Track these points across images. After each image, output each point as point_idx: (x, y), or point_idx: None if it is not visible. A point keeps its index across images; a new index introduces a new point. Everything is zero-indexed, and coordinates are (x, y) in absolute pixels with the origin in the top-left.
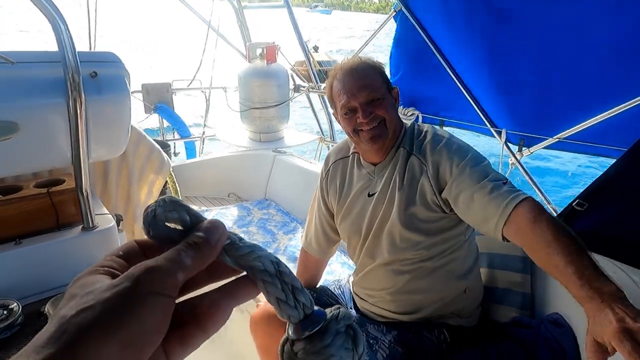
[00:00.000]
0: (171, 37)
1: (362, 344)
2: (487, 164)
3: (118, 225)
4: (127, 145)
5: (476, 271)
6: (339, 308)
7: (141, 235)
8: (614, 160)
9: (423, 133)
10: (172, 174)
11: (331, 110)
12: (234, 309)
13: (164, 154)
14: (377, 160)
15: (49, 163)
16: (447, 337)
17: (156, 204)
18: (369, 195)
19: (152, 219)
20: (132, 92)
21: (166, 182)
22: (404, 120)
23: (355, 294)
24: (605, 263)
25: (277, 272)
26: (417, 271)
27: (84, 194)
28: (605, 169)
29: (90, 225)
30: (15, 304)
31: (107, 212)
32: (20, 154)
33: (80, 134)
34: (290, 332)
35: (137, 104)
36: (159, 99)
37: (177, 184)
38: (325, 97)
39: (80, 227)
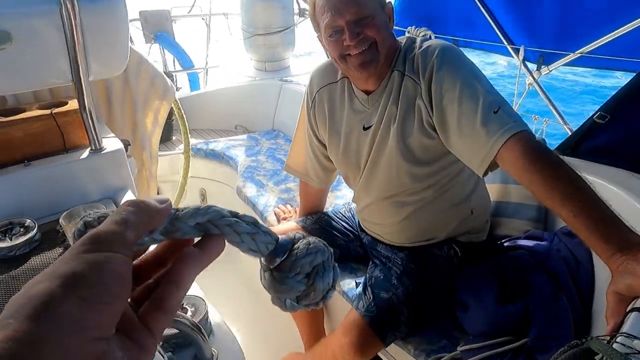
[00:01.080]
0: None
1: (323, 279)
2: (482, 82)
3: (126, 150)
4: (129, 66)
5: (480, 189)
6: (304, 237)
7: (150, 164)
8: None
9: (416, 48)
10: (177, 101)
11: (316, 34)
12: None
13: (167, 79)
14: (370, 88)
15: (48, 79)
16: (457, 252)
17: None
18: (365, 129)
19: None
20: (130, 20)
21: (172, 110)
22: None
23: (363, 220)
24: (627, 175)
25: (234, 220)
26: (421, 202)
27: (88, 113)
28: (631, 79)
29: (98, 147)
30: (30, 221)
31: (113, 135)
32: (17, 68)
33: (77, 46)
34: (262, 261)
35: (136, 33)
36: (159, 28)
37: (182, 111)
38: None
39: (88, 149)
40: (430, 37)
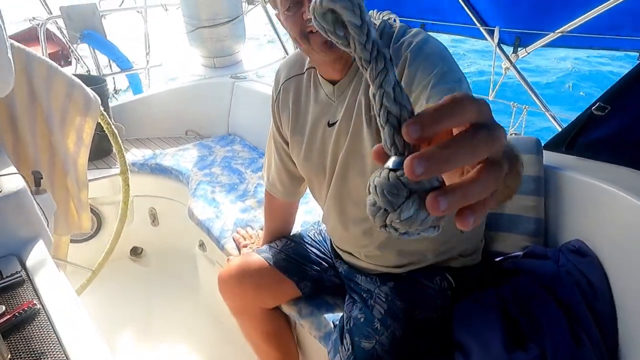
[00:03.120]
0: None
1: None
2: (458, 81)
3: (38, 184)
4: (35, 79)
5: None
6: None
7: (78, 191)
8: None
9: (393, 37)
10: (105, 114)
11: (273, 12)
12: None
13: (87, 89)
14: (337, 77)
15: None
16: (451, 282)
17: None
18: (329, 125)
19: None
20: (51, 18)
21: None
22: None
23: (336, 245)
24: (631, 175)
25: None
26: None
27: None
28: (633, 67)
29: None
30: None
31: (13, 171)
32: None
33: None
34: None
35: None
36: (86, 25)
37: (112, 126)
38: None
39: None
40: (395, 20)
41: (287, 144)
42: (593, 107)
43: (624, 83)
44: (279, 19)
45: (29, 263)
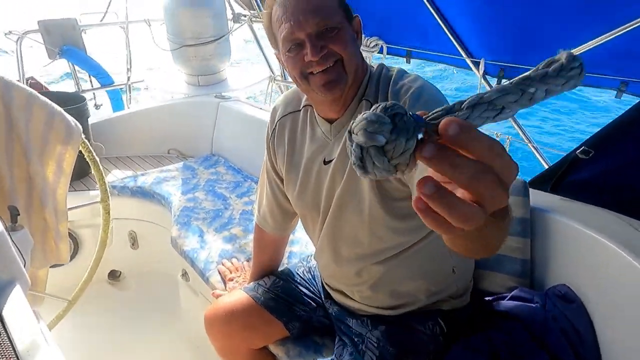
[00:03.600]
0: None
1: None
2: None
3: (15, 220)
4: (14, 107)
5: None
6: None
7: (56, 223)
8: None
9: (390, 80)
10: (86, 141)
11: (273, 51)
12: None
13: (69, 117)
14: (334, 116)
15: None
16: (443, 328)
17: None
18: (325, 163)
19: None
20: (27, 33)
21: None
22: (364, 53)
23: (327, 284)
24: (614, 220)
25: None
26: (396, 259)
27: None
28: (619, 115)
29: None
30: None
31: None
32: None
33: None
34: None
35: (38, 48)
36: (65, 40)
37: (93, 153)
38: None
39: None
40: (382, 47)
41: (282, 180)
42: (578, 151)
43: (609, 130)
44: (278, 58)
45: (4, 312)
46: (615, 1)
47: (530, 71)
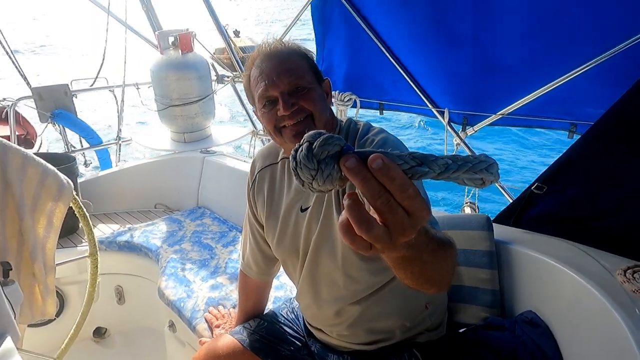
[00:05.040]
0: (77, 35)
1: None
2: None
3: (6, 275)
4: (9, 170)
5: None
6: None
7: (44, 277)
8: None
9: (358, 133)
10: (77, 197)
11: (252, 108)
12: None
13: (61, 175)
14: None
15: None
16: (419, 358)
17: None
18: (302, 210)
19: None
20: (22, 99)
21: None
22: (339, 107)
23: (308, 323)
24: (569, 248)
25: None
26: (371, 298)
27: None
28: (565, 151)
29: None
30: None
31: None
32: None
33: None
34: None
35: (31, 113)
36: (56, 105)
37: (83, 209)
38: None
39: None
40: (355, 101)
41: (262, 227)
42: (533, 187)
43: (558, 166)
44: (256, 114)
45: None
46: (554, 57)
47: (453, 160)
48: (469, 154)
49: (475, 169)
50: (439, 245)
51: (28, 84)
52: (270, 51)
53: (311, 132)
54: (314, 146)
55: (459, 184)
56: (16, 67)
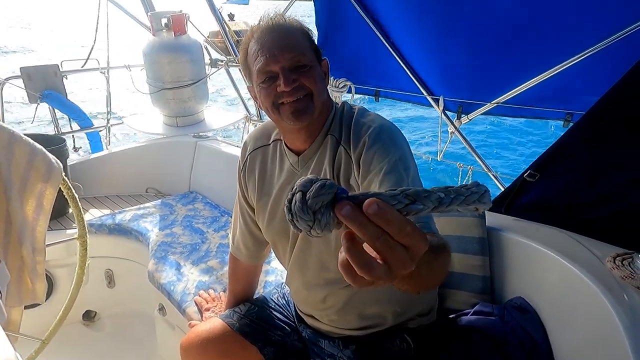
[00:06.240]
0: (70, 16)
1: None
2: (408, 171)
3: None
4: None
5: None
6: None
7: (33, 261)
8: (553, 124)
9: (353, 118)
10: (66, 178)
11: (246, 84)
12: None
13: (50, 156)
14: (301, 147)
15: None
16: (410, 344)
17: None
18: None
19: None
20: (9, 79)
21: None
22: (335, 93)
23: (299, 309)
24: (560, 236)
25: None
26: None
27: None
28: (558, 139)
29: None
30: None
31: None
32: None
33: None
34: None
35: (19, 93)
36: (47, 85)
37: (73, 191)
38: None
39: None
40: (350, 88)
41: (253, 210)
42: (525, 174)
43: (550, 154)
44: (251, 92)
45: None
46: (550, 45)
47: (446, 193)
48: (462, 184)
49: (468, 201)
50: (435, 255)
51: None
52: (272, 25)
53: (302, 181)
54: (307, 197)
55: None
56: None
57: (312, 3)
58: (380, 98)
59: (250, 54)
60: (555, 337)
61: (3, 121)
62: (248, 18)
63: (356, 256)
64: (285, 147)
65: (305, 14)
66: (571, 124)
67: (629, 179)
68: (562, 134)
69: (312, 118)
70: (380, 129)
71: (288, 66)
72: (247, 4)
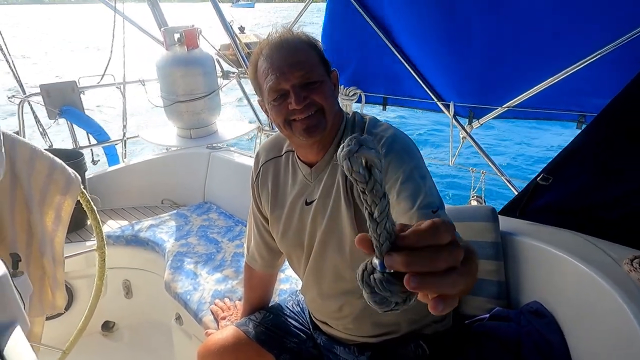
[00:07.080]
0: (91, 37)
1: None
2: (425, 180)
3: (16, 266)
4: (18, 164)
5: None
6: None
7: (54, 270)
8: (564, 127)
9: (365, 127)
10: (84, 191)
11: (257, 98)
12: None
13: (69, 169)
14: (314, 159)
15: None
16: (425, 350)
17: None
18: (307, 204)
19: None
20: (30, 96)
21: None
22: (344, 102)
23: (313, 316)
24: (575, 239)
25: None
26: None
27: None
28: (570, 142)
29: None
30: None
31: None
32: None
33: None
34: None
35: (39, 110)
36: (64, 101)
37: (91, 203)
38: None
39: None
40: (360, 96)
41: (267, 220)
42: (538, 178)
43: (563, 157)
44: (262, 106)
45: (6, 351)
46: (562, 47)
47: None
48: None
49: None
50: (467, 261)
51: (21, 86)
52: (279, 41)
53: (374, 264)
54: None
55: None
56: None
57: (316, 9)
58: (390, 106)
59: (260, 71)
60: (573, 341)
61: (23, 134)
62: (254, 21)
63: (434, 285)
64: (297, 158)
65: (308, 21)
66: (584, 125)
67: None
68: (574, 136)
69: (324, 133)
70: (393, 139)
71: (298, 84)
72: (253, 7)
